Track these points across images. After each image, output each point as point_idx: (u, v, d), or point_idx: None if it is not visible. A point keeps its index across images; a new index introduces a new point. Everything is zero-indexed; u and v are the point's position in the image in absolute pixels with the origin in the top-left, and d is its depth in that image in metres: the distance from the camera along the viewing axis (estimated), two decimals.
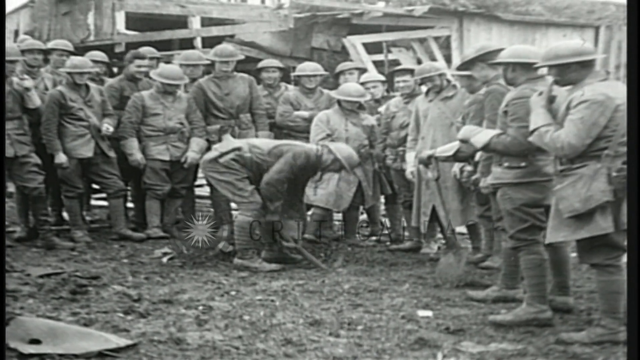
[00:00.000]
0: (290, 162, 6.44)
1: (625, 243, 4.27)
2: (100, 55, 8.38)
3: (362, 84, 8.19)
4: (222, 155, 6.52)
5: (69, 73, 7.36)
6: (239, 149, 6.53)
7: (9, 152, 6.83)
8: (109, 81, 8.19)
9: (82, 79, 7.39)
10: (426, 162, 5.66)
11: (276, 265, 6.49)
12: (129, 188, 8.21)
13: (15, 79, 6.86)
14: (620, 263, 4.37)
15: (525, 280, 4.90)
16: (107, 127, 7.45)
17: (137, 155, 7.61)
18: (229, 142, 6.69)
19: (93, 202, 9.10)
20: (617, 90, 4.31)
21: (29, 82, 6.94)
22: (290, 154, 6.45)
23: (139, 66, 7.99)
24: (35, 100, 7.03)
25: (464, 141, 5.10)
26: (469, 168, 5.64)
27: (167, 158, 7.69)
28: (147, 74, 8.05)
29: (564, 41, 4.80)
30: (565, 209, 4.32)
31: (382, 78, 8.25)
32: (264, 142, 6.73)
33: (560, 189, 4.35)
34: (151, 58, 8.35)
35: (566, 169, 4.35)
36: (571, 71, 4.41)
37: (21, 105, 6.98)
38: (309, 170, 6.67)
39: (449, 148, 5.50)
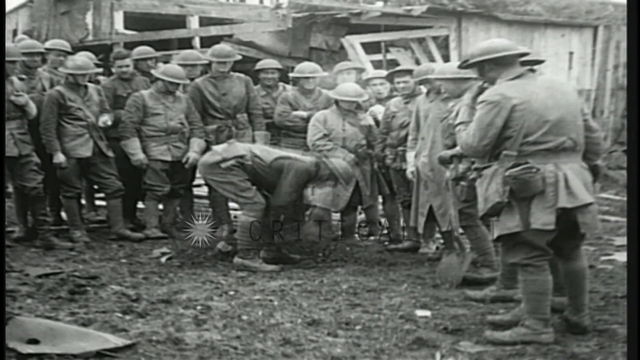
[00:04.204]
0: (296, 181, 6.53)
1: (543, 243, 4.33)
2: (89, 55, 8.37)
3: (368, 80, 8.21)
4: (224, 160, 6.53)
5: (71, 74, 7.36)
6: (242, 156, 6.54)
7: (13, 151, 6.84)
8: (104, 81, 8.22)
9: (84, 79, 7.41)
10: (448, 161, 5.64)
11: (276, 266, 6.49)
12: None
13: (12, 97, 6.82)
14: (542, 264, 4.39)
15: None
16: (106, 119, 7.48)
17: (139, 155, 7.61)
18: (233, 147, 6.65)
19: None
20: (524, 90, 4.30)
21: (23, 99, 6.92)
22: (293, 173, 6.51)
23: (120, 66, 8.01)
24: (32, 111, 7.02)
25: None
26: (462, 166, 5.61)
27: (168, 158, 7.70)
28: (146, 72, 8.08)
29: (489, 39, 4.84)
30: (479, 210, 4.45)
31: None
32: (265, 153, 6.71)
33: (476, 189, 4.47)
34: (150, 58, 8.36)
35: (478, 169, 4.47)
36: (488, 70, 4.48)
37: (20, 107, 6.97)
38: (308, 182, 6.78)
39: None
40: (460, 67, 5.41)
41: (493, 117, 4.27)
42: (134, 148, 7.62)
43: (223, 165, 6.51)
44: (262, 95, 8.23)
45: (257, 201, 6.49)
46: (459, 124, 4.53)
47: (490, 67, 4.46)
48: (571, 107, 4.38)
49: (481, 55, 4.48)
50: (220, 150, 6.68)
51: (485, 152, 4.38)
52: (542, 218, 4.24)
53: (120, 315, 4.76)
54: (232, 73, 8.02)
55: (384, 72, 8.26)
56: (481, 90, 4.56)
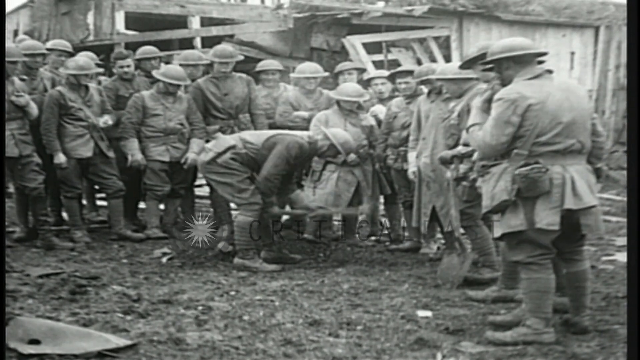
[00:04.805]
0: (284, 155, 6.43)
1: (547, 242, 4.36)
2: (90, 56, 8.37)
3: (369, 80, 8.21)
4: (218, 155, 6.52)
5: (73, 75, 7.36)
6: (233, 147, 6.53)
7: (14, 152, 6.84)
8: (105, 81, 8.21)
9: (85, 80, 7.42)
10: (449, 161, 5.65)
11: (276, 266, 6.49)
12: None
13: (13, 97, 6.82)
14: (545, 262, 4.41)
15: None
16: (107, 119, 7.48)
17: (137, 156, 7.61)
18: (221, 140, 6.67)
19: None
20: (541, 90, 4.33)
21: (24, 100, 6.92)
22: (283, 146, 6.44)
23: (121, 67, 8.02)
24: (33, 112, 7.02)
25: (466, 144, 5.10)
26: (463, 166, 5.61)
27: (166, 159, 7.69)
28: (148, 74, 8.09)
29: (508, 38, 4.85)
30: (483, 206, 4.48)
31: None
32: (256, 136, 6.70)
33: (481, 186, 4.46)
34: (154, 58, 8.35)
35: (485, 166, 4.47)
36: (506, 68, 4.49)
37: (21, 107, 6.97)
38: (304, 158, 6.71)
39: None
40: (462, 67, 5.40)
41: (510, 115, 4.29)
42: (132, 149, 7.62)
43: (219, 160, 6.50)
44: (263, 95, 8.23)
45: (254, 202, 6.46)
46: (472, 125, 4.51)
47: (509, 65, 4.48)
48: (583, 110, 4.42)
49: (502, 52, 4.49)
50: (211, 146, 6.68)
51: (503, 151, 4.37)
52: (547, 218, 4.25)
53: (121, 315, 4.76)
54: (233, 73, 8.01)
55: (385, 73, 8.26)
56: (494, 93, 4.57)
